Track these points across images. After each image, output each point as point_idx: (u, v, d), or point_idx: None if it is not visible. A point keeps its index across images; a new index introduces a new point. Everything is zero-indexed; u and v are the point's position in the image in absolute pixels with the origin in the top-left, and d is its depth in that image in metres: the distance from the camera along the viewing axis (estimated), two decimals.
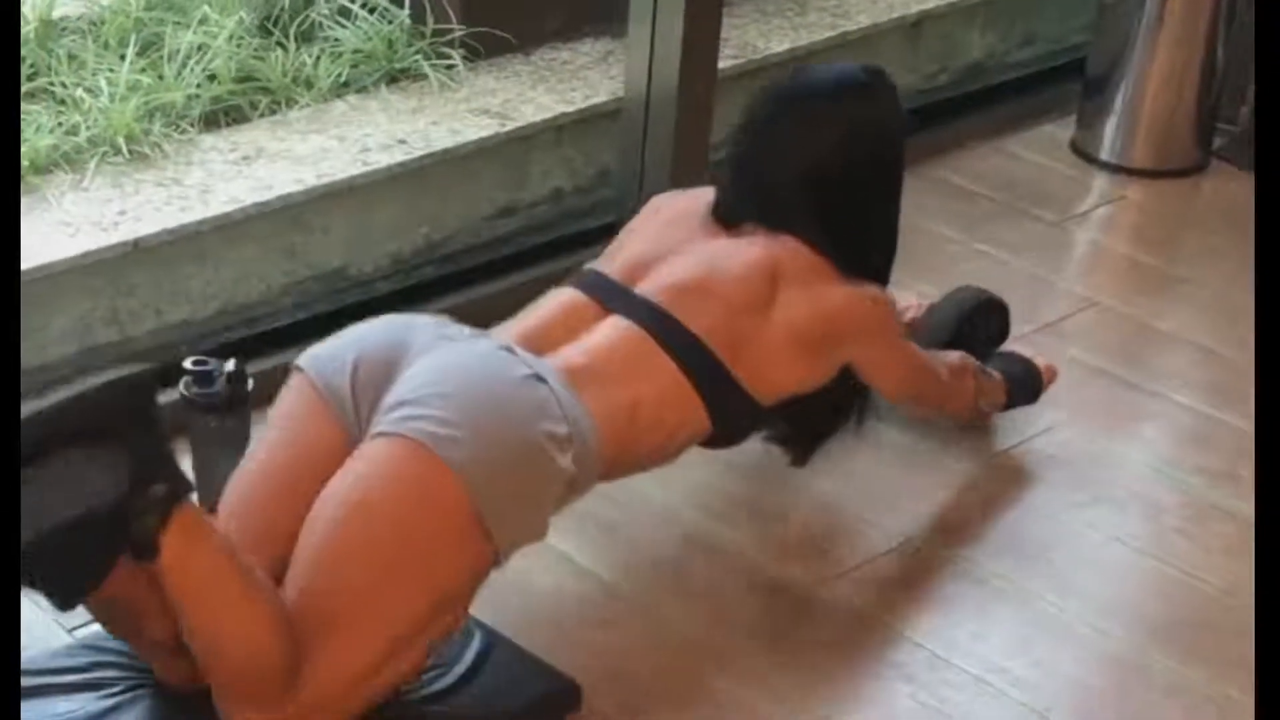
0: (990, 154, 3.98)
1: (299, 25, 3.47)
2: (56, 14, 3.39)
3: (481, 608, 2.42)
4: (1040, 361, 3.04)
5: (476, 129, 3.31)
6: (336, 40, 3.46)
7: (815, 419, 2.72)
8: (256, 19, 3.49)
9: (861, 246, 2.64)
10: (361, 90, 3.41)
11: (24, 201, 2.93)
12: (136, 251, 2.89)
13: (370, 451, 2.25)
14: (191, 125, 3.20)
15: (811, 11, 3.96)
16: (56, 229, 2.88)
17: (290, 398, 2.38)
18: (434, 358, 2.32)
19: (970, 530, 2.82)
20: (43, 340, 2.84)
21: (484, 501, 2.21)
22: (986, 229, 3.66)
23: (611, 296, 2.55)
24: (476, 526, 2.22)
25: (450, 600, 2.26)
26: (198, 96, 3.24)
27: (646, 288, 2.54)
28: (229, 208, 2.99)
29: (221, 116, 3.27)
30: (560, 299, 2.56)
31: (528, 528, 2.31)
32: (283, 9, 3.50)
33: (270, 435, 2.38)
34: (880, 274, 2.70)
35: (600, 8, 3.68)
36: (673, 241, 2.62)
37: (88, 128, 3.09)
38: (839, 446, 2.84)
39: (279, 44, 3.43)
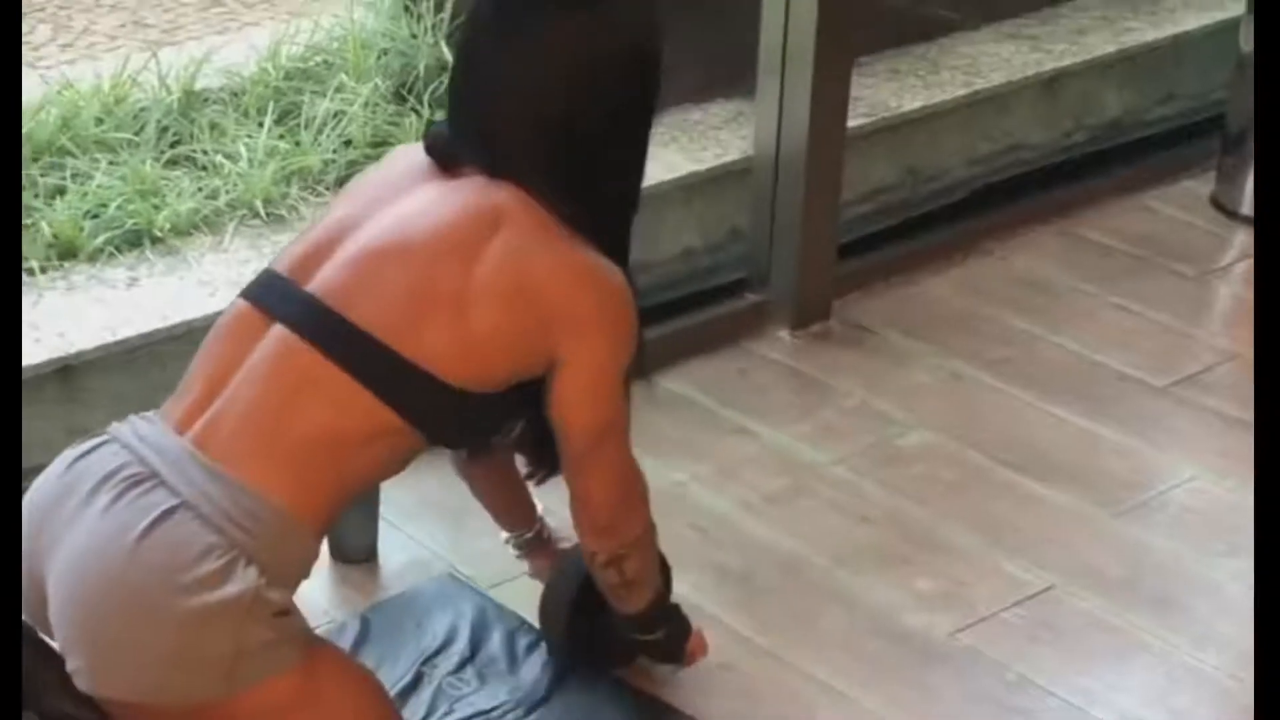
0: (1128, 210, 3.93)
1: (432, 92, 3.53)
2: (199, 85, 3.48)
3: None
4: (695, 627, 2.52)
5: None
6: None
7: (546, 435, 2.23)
8: (392, 86, 3.56)
9: (593, 198, 2.14)
10: None
11: (165, 262, 3.01)
12: None
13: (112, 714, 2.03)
14: (327, 189, 3.26)
15: (944, 70, 3.96)
16: (195, 288, 2.94)
17: None
18: (58, 568, 2.01)
19: (1109, 579, 2.77)
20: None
21: (190, 695, 1.97)
22: (1124, 284, 3.62)
23: (275, 300, 2.11)
24: (216, 708, 1.98)
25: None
26: (334, 161, 3.30)
27: (318, 276, 2.09)
28: None
29: None
30: (226, 320, 2.16)
31: (256, 658, 1.97)
32: (418, 76, 3.57)
33: None
34: (615, 237, 2.19)
35: (734, 68, 3.70)
36: (378, 198, 2.15)
37: (227, 192, 3.16)
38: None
39: (413, 110, 3.49)
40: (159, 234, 3.06)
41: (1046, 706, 2.51)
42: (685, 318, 3.35)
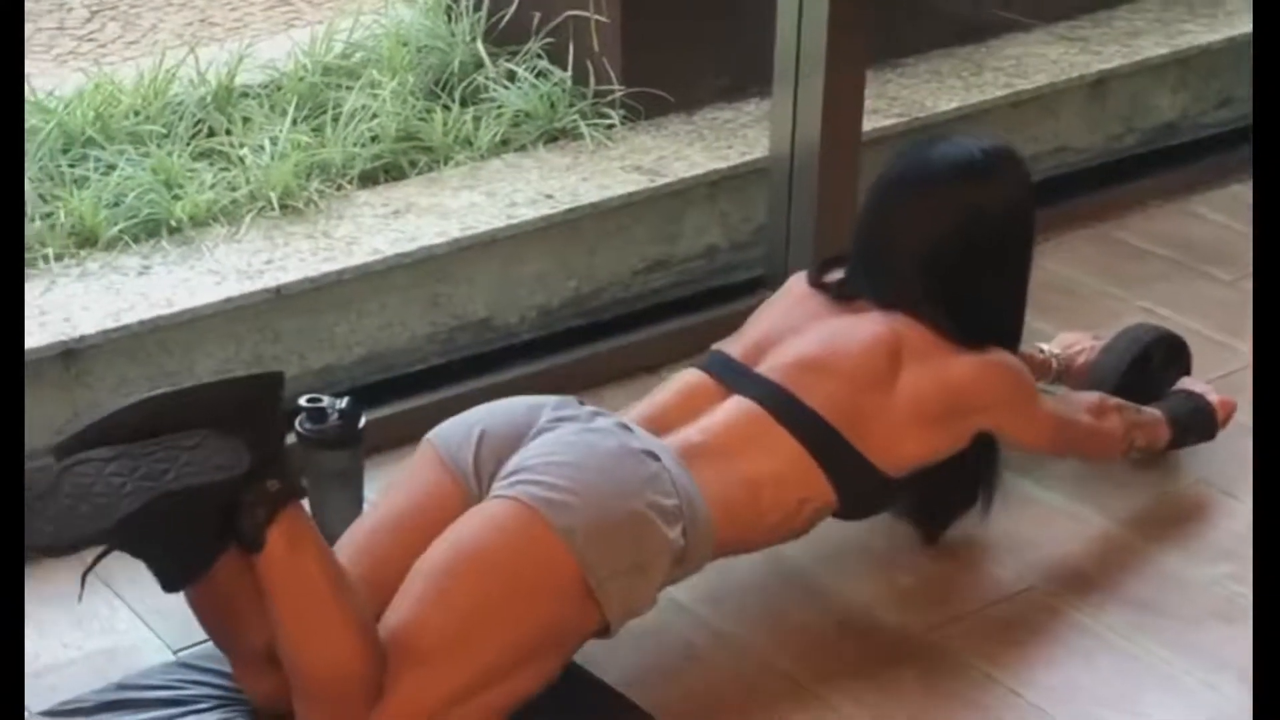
0: (1171, 214, 3.89)
1: (465, 88, 3.59)
2: (241, 80, 3.56)
3: None
4: (1214, 397, 2.99)
5: (625, 185, 3.37)
6: (499, 103, 3.55)
7: (945, 494, 2.72)
8: (427, 83, 3.62)
9: (983, 323, 2.63)
10: (520, 149, 3.50)
11: (178, 252, 3.09)
12: (280, 299, 3.02)
13: (485, 509, 2.36)
14: (350, 182, 3.33)
15: (987, 71, 3.94)
16: (204, 276, 3.02)
17: (415, 463, 2.50)
18: (553, 433, 2.42)
19: (1091, 582, 2.76)
20: (189, 381, 2.96)
21: (588, 565, 2.30)
22: (1155, 288, 3.58)
23: (732, 376, 2.60)
24: (580, 587, 2.31)
25: (543, 649, 2.33)
26: (358, 155, 3.37)
27: (767, 366, 2.58)
28: (372, 258, 3.10)
29: (381, 174, 3.40)
30: (683, 380, 2.64)
31: (632, 595, 2.36)
32: (452, 73, 3.63)
33: (391, 493, 2.49)
34: (1007, 344, 2.69)
35: (766, 67, 3.71)
36: (795, 320, 2.66)
37: (246, 183, 3.23)
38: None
39: (444, 106, 3.54)
40: (176, 224, 3.13)
41: (1009, 705, 2.50)
42: (703, 313, 3.37)
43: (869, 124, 3.43)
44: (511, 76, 3.61)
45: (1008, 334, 2.71)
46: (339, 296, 3.09)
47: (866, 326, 2.60)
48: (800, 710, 2.49)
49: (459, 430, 2.48)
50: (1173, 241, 3.77)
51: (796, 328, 2.64)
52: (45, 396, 2.84)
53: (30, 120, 3.31)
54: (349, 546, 2.43)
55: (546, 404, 2.50)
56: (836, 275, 2.70)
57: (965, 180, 2.64)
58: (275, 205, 3.21)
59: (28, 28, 4.38)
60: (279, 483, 2.22)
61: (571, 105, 3.57)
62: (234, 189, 3.23)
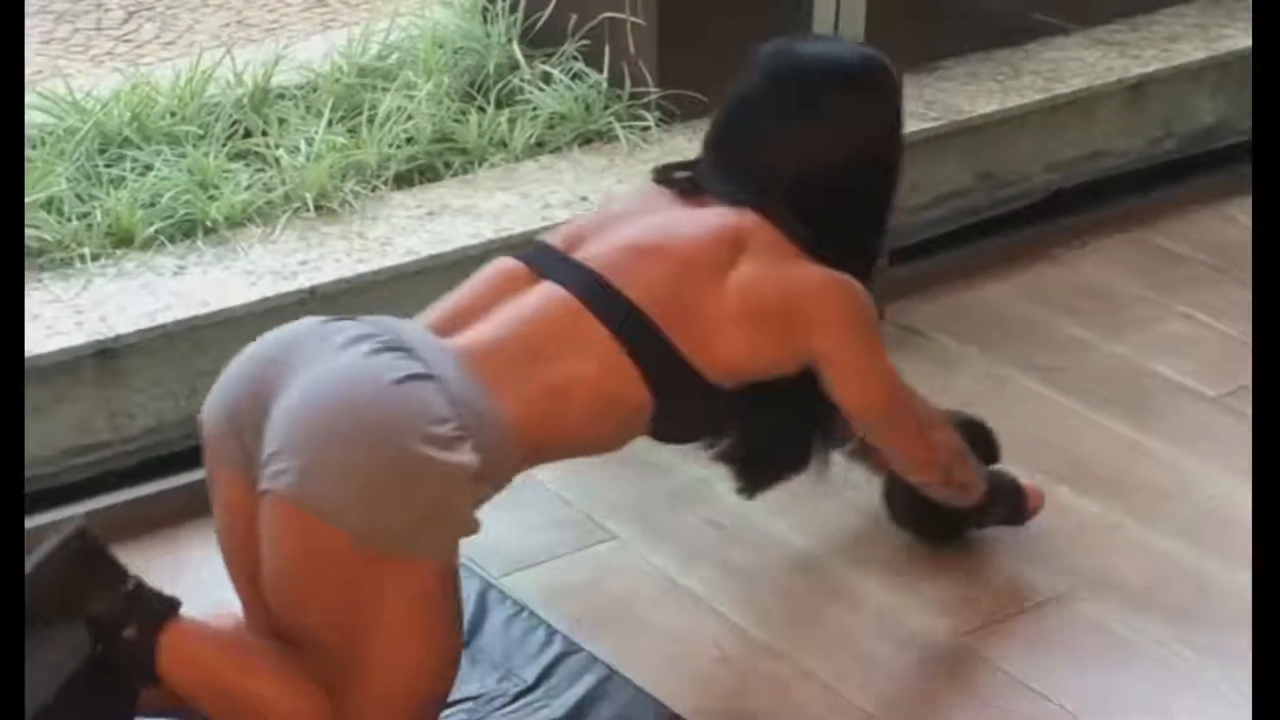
0: (1210, 219, 3.87)
1: (501, 89, 3.59)
2: (278, 82, 3.57)
3: (604, 639, 2.54)
4: (1028, 484, 2.80)
5: None
6: (534, 105, 3.55)
7: (773, 440, 2.53)
8: (462, 84, 3.62)
9: (839, 241, 2.45)
10: (555, 151, 3.50)
11: (214, 252, 3.09)
12: (314, 299, 3.02)
13: (264, 521, 2.21)
14: (384, 183, 3.33)
15: (1025, 75, 3.92)
16: (239, 277, 3.02)
17: (207, 468, 2.36)
18: (300, 384, 2.21)
19: (1126, 589, 2.74)
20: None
21: (375, 537, 2.13)
22: (1192, 292, 3.56)
23: (545, 263, 2.41)
24: (379, 559, 2.14)
25: (419, 627, 2.20)
26: (393, 156, 3.37)
27: (588, 252, 2.40)
28: (406, 260, 3.10)
29: (416, 175, 3.40)
30: (493, 268, 2.44)
31: (442, 532, 2.19)
32: (487, 75, 3.63)
33: (215, 520, 2.36)
34: (861, 273, 2.47)
35: None
36: (632, 209, 2.50)
37: (282, 184, 3.24)
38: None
39: (479, 108, 3.54)
40: (211, 224, 3.14)
41: (1042, 712, 2.49)
42: None
43: (905, 127, 3.40)
44: (547, 78, 3.61)
45: (862, 260, 2.50)
46: (373, 297, 3.08)
47: (711, 216, 2.43)
48: (831, 715, 2.49)
49: (215, 421, 2.29)
50: (1211, 246, 3.75)
51: (632, 216, 2.47)
52: (81, 395, 2.85)
53: (67, 121, 3.32)
54: (237, 594, 2.37)
55: (299, 336, 2.30)
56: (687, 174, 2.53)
57: (835, 84, 2.49)
58: (310, 206, 3.22)
59: (65, 28, 4.40)
60: (134, 626, 2.16)
61: (607, 107, 3.57)
62: (269, 190, 3.24)
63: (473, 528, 2.23)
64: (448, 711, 2.39)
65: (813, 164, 2.45)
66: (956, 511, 2.70)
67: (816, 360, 2.41)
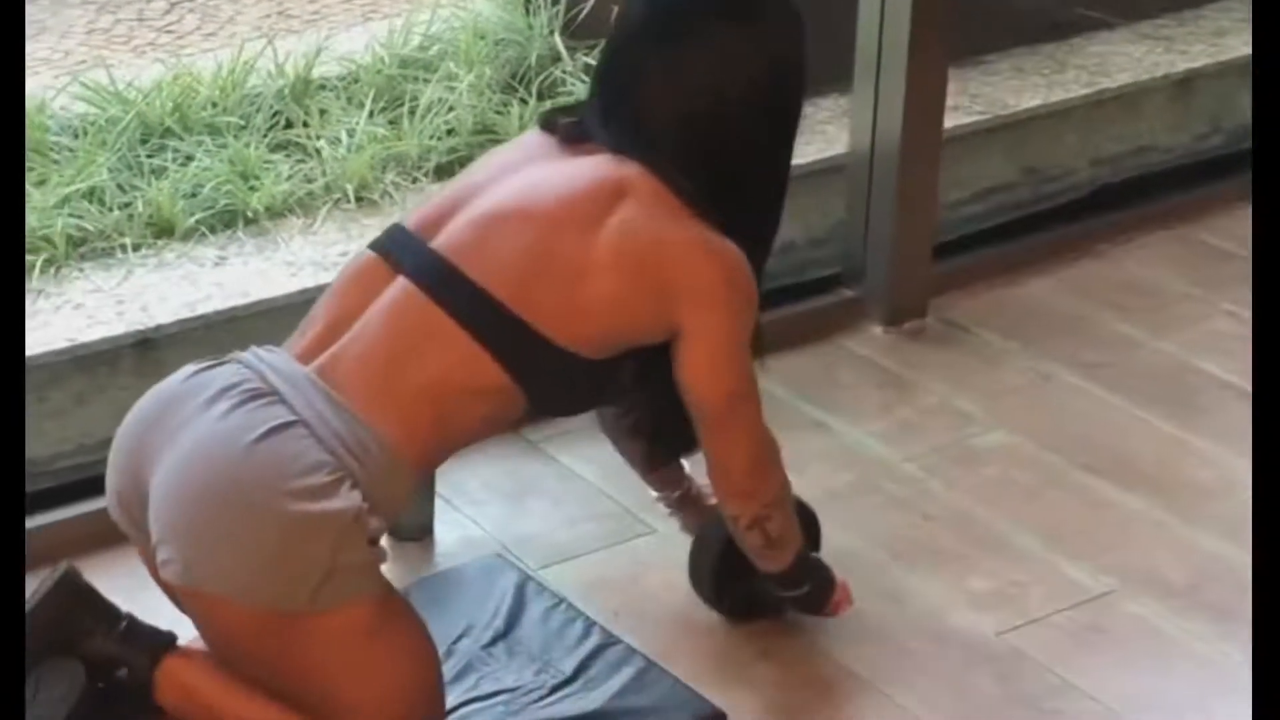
0: None
1: (542, 81, 3.58)
2: (319, 73, 3.57)
3: (642, 632, 2.53)
4: (840, 580, 2.57)
5: None
6: (576, 96, 3.54)
7: (672, 405, 2.31)
8: (503, 76, 3.61)
9: (728, 203, 2.25)
10: None
11: (255, 243, 3.09)
12: None
13: (184, 606, 2.19)
14: (425, 175, 3.32)
15: (1070, 69, 3.90)
16: (279, 268, 3.02)
17: None
18: (166, 461, 2.13)
19: (1171, 587, 2.71)
20: None
21: (279, 603, 2.08)
22: (1239, 290, 3.52)
23: (402, 253, 2.25)
24: (299, 619, 2.09)
25: (375, 662, 2.15)
26: (434, 148, 3.36)
27: (443, 234, 2.23)
28: None
29: (457, 167, 3.38)
30: (353, 267, 2.30)
31: (346, 578, 2.09)
32: (529, 66, 3.62)
33: None
34: (752, 241, 2.29)
35: (844, 63, 3.68)
36: (505, 168, 2.30)
37: (322, 175, 3.23)
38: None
39: (521, 99, 3.53)
40: (252, 215, 3.14)
41: (1084, 711, 2.46)
42: (780, 310, 3.34)
43: (950, 121, 3.39)
44: (589, 70, 3.58)
45: (751, 230, 2.30)
46: None
47: (589, 166, 2.23)
48: (871, 711, 2.47)
49: (111, 506, 2.26)
50: None
51: (502, 175, 2.28)
52: (121, 385, 2.84)
53: (110, 111, 3.33)
54: None
55: (161, 407, 2.20)
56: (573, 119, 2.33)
57: (727, 20, 2.26)
58: (351, 197, 3.22)
59: (108, 19, 4.41)
60: (129, 666, 2.16)
61: None
62: (310, 181, 3.24)
63: (379, 558, 2.14)
64: (486, 703, 2.39)
65: (691, 103, 2.23)
66: (759, 580, 2.50)
67: (676, 331, 2.23)
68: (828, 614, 2.56)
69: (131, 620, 2.20)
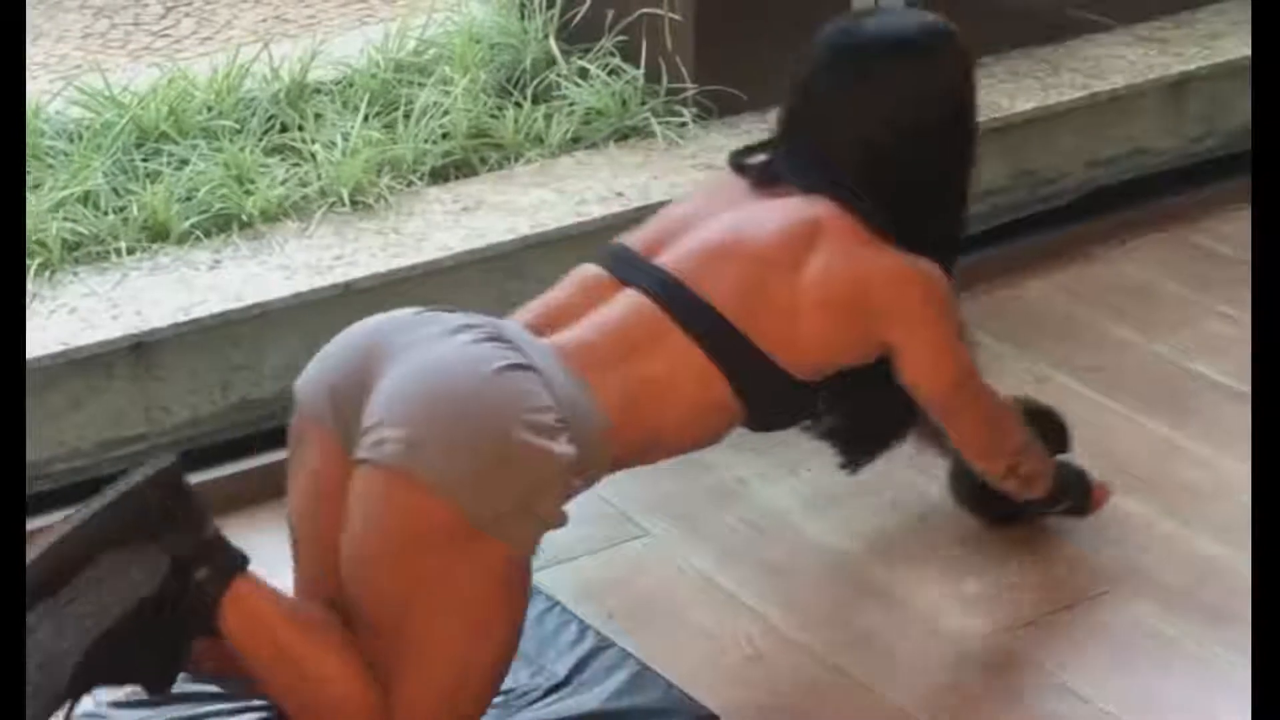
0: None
1: (537, 85, 3.58)
2: (314, 77, 3.57)
3: (637, 635, 2.53)
4: (1096, 480, 2.78)
5: (697, 183, 3.35)
6: (571, 100, 3.54)
7: (871, 416, 2.56)
8: (498, 80, 3.61)
9: (917, 224, 2.44)
10: (591, 147, 3.49)
11: (249, 247, 3.09)
12: (349, 294, 3.01)
13: (359, 489, 2.21)
14: (420, 179, 3.33)
15: (1065, 72, 3.89)
16: (274, 272, 3.02)
17: (292, 440, 2.37)
18: (405, 365, 2.23)
19: (1166, 588, 2.71)
20: (258, 376, 2.98)
21: (473, 510, 2.15)
22: (1233, 292, 3.52)
23: (627, 268, 2.43)
24: (475, 536, 2.16)
25: (489, 614, 2.21)
26: (428, 151, 3.36)
27: (666, 256, 2.41)
28: (441, 255, 3.10)
29: (451, 171, 3.40)
30: (577, 275, 2.47)
31: (532, 520, 2.21)
32: (524, 70, 3.62)
33: (290, 492, 2.37)
34: (941, 254, 2.48)
35: None
36: (711, 206, 2.49)
37: (318, 179, 3.24)
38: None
39: (516, 103, 3.54)
40: (247, 219, 3.14)
41: (1079, 712, 2.47)
42: None
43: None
44: (583, 74, 3.59)
45: (943, 243, 2.51)
46: (408, 293, 3.06)
47: (785, 209, 2.42)
48: (867, 714, 2.47)
49: (315, 390, 2.30)
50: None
51: (709, 213, 2.47)
52: (116, 389, 2.85)
53: (105, 115, 3.33)
54: (296, 566, 2.37)
55: (399, 322, 2.32)
56: (763, 158, 2.53)
57: (891, 53, 2.48)
58: (346, 201, 3.21)
59: (104, 23, 4.42)
60: (207, 569, 2.17)
61: (644, 103, 3.55)
62: (305, 185, 3.24)
63: (561, 520, 2.24)
64: None
65: (875, 139, 2.43)
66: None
67: (892, 347, 2.42)
68: (1090, 514, 2.77)
69: (219, 531, 2.21)
